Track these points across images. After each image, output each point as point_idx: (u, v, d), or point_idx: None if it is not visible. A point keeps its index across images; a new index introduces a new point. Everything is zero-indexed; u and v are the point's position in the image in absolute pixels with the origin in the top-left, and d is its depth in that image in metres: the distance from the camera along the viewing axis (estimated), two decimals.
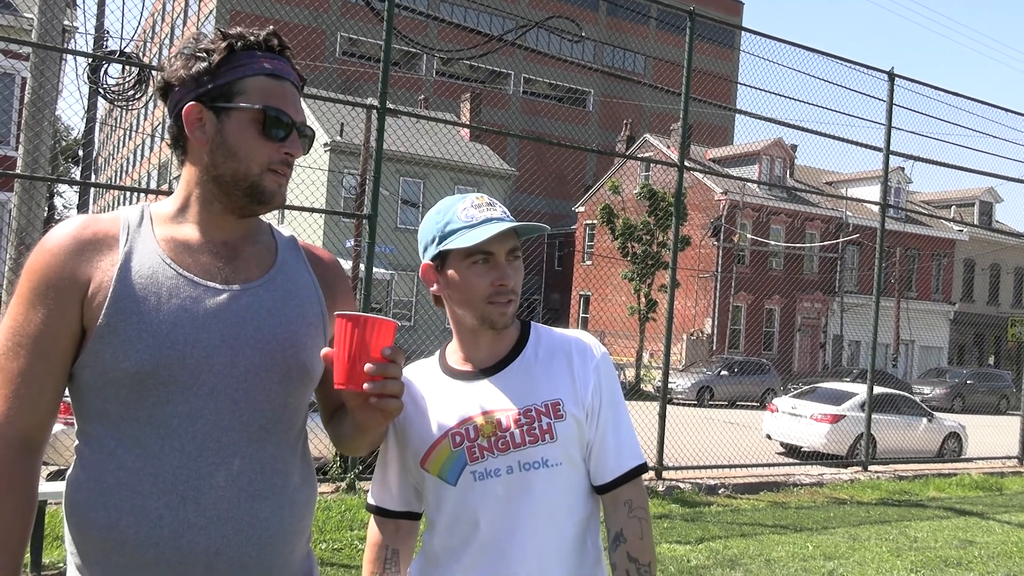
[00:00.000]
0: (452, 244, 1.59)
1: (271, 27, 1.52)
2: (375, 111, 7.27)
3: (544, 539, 1.58)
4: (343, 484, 7.04)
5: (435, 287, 1.66)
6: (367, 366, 1.36)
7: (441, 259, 1.63)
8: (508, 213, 1.66)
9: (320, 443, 6.98)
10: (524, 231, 1.62)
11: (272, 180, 1.46)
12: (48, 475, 7.30)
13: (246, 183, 1.44)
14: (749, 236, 31.85)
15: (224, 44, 1.44)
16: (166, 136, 1.50)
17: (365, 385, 1.37)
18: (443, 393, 1.65)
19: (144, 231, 1.45)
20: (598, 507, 1.69)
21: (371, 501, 1.74)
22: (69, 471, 1.42)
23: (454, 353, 1.70)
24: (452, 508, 1.60)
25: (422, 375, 1.71)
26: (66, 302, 1.37)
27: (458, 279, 1.60)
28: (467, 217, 1.60)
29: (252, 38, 1.46)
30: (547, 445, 1.58)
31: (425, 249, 1.65)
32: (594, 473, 1.66)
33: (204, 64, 1.43)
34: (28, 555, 4.75)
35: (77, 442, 1.43)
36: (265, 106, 1.44)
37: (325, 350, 1.43)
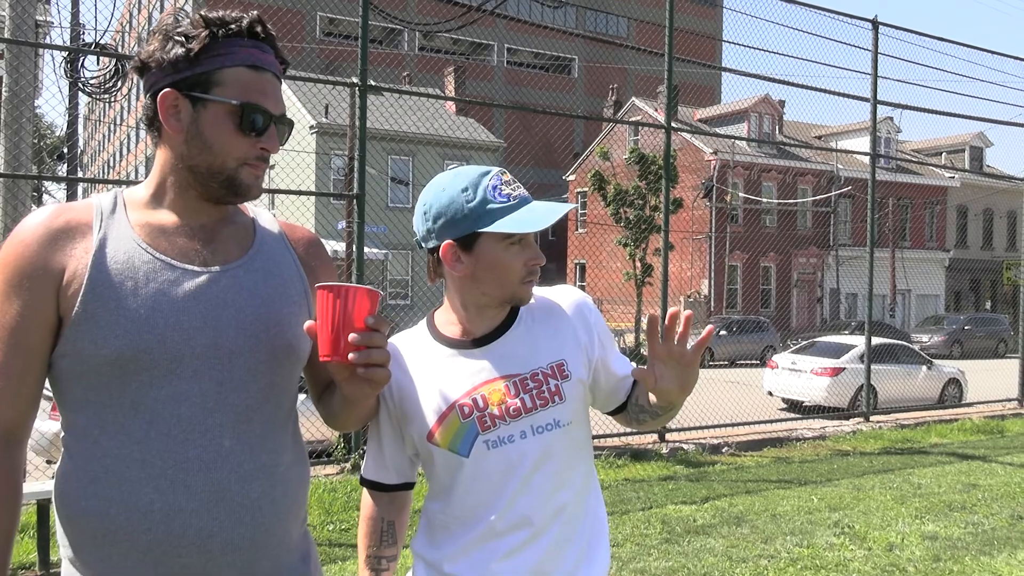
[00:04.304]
0: (497, 228, 1.52)
1: (255, 12, 1.45)
2: (357, 89, 7.21)
3: (561, 498, 1.60)
4: (347, 465, 7.06)
5: (458, 267, 1.57)
6: (351, 336, 1.34)
7: (469, 239, 1.55)
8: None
9: (323, 425, 7.00)
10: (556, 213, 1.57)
11: (248, 173, 1.43)
12: (53, 474, 7.33)
13: (222, 176, 1.42)
14: (741, 195, 31.79)
15: (205, 32, 1.38)
16: (144, 120, 1.46)
17: (350, 356, 1.35)
18: (443, 365, 1.62)
19: (118, 217, 1.42)
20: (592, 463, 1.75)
21: (367, 476, 1.72)
22: (58, 464, 1.41)
23: (449, 324, 1.65)
24: (466, 479, 1.58)
25: (415, 347, 1.66)
26: (41, 292, 1.35)
27: (494, 261, 1.55)
28: (503, 197, 1.54)
29: (235, 27, 1.40)
30: (558, 406, 1.59)
31: (444, 226, 1.55)
32: (614, 390, 1.69)
33: (182, 50, 1.37)
34: (36, 553, 4.77)
35: (63, 434, 1.41)
36: (243, 103, 1.39)
37: (308, 323, 1.40)
